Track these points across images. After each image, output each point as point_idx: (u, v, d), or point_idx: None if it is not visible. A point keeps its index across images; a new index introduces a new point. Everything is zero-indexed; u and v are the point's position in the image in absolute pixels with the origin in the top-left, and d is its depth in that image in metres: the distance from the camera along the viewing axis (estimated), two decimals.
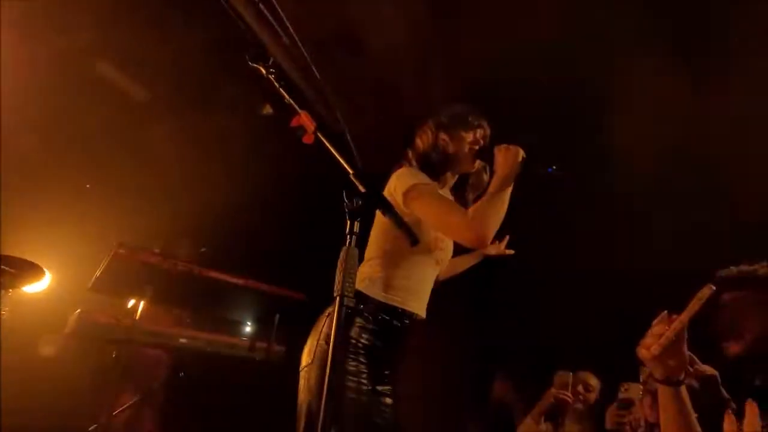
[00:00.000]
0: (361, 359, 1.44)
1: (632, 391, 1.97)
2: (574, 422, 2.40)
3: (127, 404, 2.46)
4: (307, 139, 1.26)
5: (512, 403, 3.08)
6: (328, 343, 1.07)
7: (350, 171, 1.11)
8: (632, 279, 2.86)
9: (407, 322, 1.56)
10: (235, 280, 2.65)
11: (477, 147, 1.68)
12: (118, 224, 2.94)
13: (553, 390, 2.37)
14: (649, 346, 1.04)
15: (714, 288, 1.02)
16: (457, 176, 1.76)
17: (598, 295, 3.06)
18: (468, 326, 3.56)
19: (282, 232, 3.27)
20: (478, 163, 1.71)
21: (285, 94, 1.30)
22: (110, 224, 2.91)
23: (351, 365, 1.41)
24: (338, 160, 1.14)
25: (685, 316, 1.02)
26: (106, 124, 3.03)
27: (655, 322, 1.07)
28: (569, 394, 2.33)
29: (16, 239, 2.63)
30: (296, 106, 1.27)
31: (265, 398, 2.80)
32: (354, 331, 1.45)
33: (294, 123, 1.28)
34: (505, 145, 1.56)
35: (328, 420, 0.94)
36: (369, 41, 2.97)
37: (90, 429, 2.19)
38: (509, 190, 1.49)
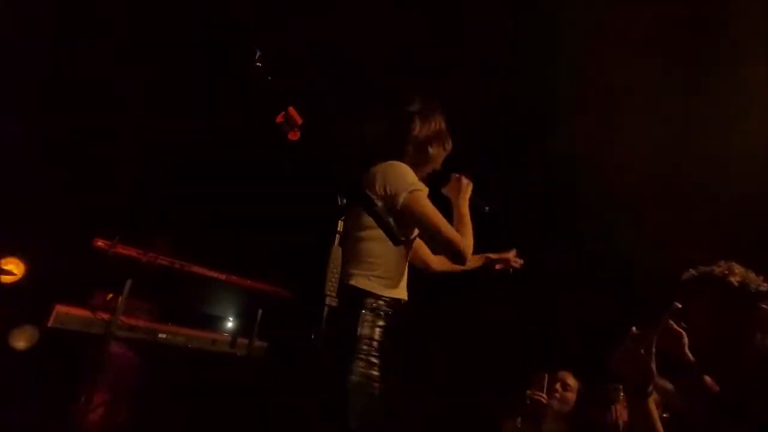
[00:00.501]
0: (373, 359, 1.43)
1: (612, 392, 2.00)
2: (553, 422, 2.43)
3: (100, 402, 2.41)
4: (293, 136, 1.24)
5: (497, 403, 3.11)
6: (336, 343, 1.10)
7: (336, 168, 1.10)
8: (617, 282, 2.90)
9: (400, 310, 1.58)
10: (216, 275, 2.62)
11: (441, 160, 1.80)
12: (97, 216, 2.87)
13: (528, 391, 2.41)
14: (619, 361, 1.10)
15: (680, 306, 1.07)
16: None
17: (583, 296, 3.10)
18: (454, 325, 3.57)
19: (266, 228, 3.24)
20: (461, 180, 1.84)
21: (272, 88, 1.28)
22: (89, 216, 2.85)
23: (361, 366, 1.40)
24: (325, 157, 1.13)
25: (652, 333, 1.07)
26: (85, 113, 2.96)
27: (624, 337, 1.13)
28: (543, 395, 2.36)
29: None
30: (283, 101, 1.25)
31: (246, 394, 2.78)
32: (366, 330, 1.45)
33: (279, 119, 1.26)
34: (461, 176, 1.81)
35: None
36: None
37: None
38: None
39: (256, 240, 3.17)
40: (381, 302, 1.50)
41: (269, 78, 1.32)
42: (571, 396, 2.45)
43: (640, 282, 2.84)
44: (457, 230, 1.61)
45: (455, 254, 1.54)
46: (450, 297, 3.24)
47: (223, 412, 2.78)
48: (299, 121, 1.24)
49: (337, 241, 1.02)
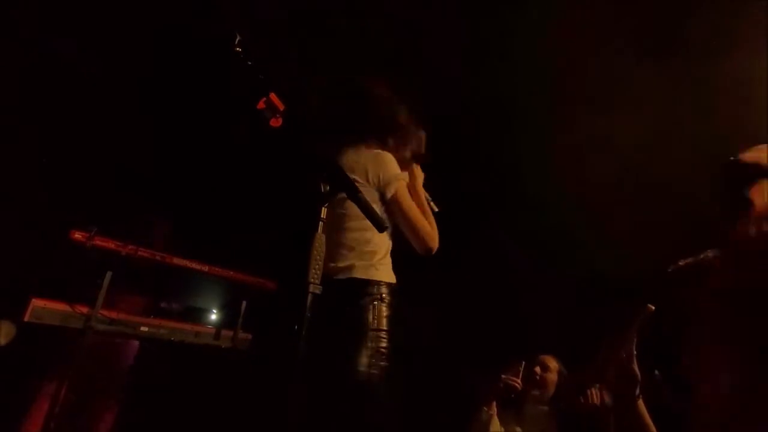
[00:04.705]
0: (382, 349, 1.45)
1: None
2: (533, 405, 2.46)
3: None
4: (275, 123, 1.22)
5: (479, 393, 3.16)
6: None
7: (320, 155, 1.08)
8: (600, 273, 2.94)
9: (397, 294, 1.59)
10: (199, 267, 2.58)
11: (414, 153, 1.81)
12: (74, 206, 2.80)
13: (503, 376, 2.43)
14: (603, 369, 1.11)
15: (653, 308, 1.07)
16: None
17: (564, 286, 3.14)
18: (435, 315, 3.59)
19: (248, 218, 3.20)
20: (416, 168, 1.82)
21: (253, 74, 1.25)
22: (65, 206, 2.77)
23: (371, 357, 1.42)
24: (308, 143, 1.11)
25: (629, 338, 1.08)
26: (59, 100, 2.87)
27: (604, 345, 1.13)
28: (518, 381, 2.39)
29: None
30: (265, 87, 1.22)
31: (231, 386, 2.76)
32: (374, 321, 1.46)
33: (261, 105, 1.23)
34: (414, 166, 1.78)
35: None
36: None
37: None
38: None
39: (238, 230, 3.14)
40: (384, 289, 1.51)
41: (249, 63, 1.29)
42: (552, 378, 2.46)
43: (610, 276, 2.89)
44: (431, 222, 1.63)
45: (428, 250, 1.58)
46: (432, 281, 3.26)
47: (206, 404, 2.75)
48: (281, 107, 1.22)
49: (321, 229, 1.00)
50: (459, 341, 3.51)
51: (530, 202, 3.30)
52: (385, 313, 1.48)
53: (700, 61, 2.65)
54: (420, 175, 1.78)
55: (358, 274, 1.50)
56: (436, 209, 1.78)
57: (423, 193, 1.75)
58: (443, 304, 3.53)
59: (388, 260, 1.61)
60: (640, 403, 1.13)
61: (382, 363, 1.42)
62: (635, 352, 1.09)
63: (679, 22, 2.63)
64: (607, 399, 1.69)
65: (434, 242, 1.56)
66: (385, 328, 1.46)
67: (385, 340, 1.44)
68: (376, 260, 1.54)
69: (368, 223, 1.55)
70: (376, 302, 1.47)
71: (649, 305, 1.08)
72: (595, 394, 2.03)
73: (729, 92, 2.67)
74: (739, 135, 2.73)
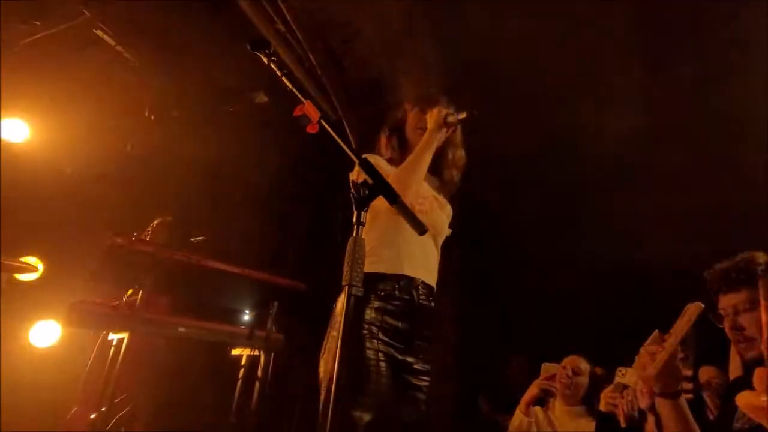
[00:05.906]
0: (382, 338, 1.47)
1: (628, 376, 2.01)
2: (563, 404, 2.45)
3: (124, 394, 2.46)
4: (311, 129, 1.25)
5: (524, 383, 3.15)
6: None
7: (356, 160, 1.11)
8: (636, 269, 2.89)
9: (417, 292, 1.59)
10: (232, 269, 2.64)
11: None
12: (113, 214, 2.91)
13: (538, 381, 2.43)
14: (645, 366, 1.10)
15: (702, 306, 1.06)
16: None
17: (601, 282, 3.11)
18: (480, 305, 3.57)
19: (280, 222, 3.26)
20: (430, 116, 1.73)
21: (288, 83, 1.30)
22: (105, 214, 2.88)
23: (369, 352, 1.43)
24: (344, 149, 1.14)
25: (675, 337, 1.08)
26: (98, 109, 2.98)
27: (648, 341, 1.13)
28: (555, 385, 2.39)
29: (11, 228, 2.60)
30: (300, 96, 1.26)
31: (263, 385, 2.82)
32: (368, 314, 1.48)
33: (297, 112, 1.27)
34: (436, 108, 1.69)
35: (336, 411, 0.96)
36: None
37: (91, 417, 2.19)
38: (432, 147, 1.64)
39: (272, 233, 3.19)
40: (376, 282, 1.53)
41: (285, 72, 1.34)
42: (583, 380, 2.45)
43: (652, 272, 2.83)
44: (402, 168, 1.60)
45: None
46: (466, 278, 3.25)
47: (239, 403, 2.82)
48: (316, 114, 1.26)
49: (361, 232, 1.03)
50: (490, 342, 3.50)
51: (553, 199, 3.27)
52: (375, 305, 1.51)
53: (695, 58, 2.60)
54: (436, 117, 1.65)
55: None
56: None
57: (425, 138, 1.65)
58: (471, 307, 3.53)
59: (383, 253, 1.60)
60: (682, 400, 1.12)
61: (379, 354, 1.46)
62: (680, 349, 1.09)
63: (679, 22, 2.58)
64: (646, 399, 1.66)
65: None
66: (379, 319, 1.50)
67: (380, 331, 1.48)
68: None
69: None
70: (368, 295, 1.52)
71: (699, 303, 1.07)
72: (630, 394, 2.01)
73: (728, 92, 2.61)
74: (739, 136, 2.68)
